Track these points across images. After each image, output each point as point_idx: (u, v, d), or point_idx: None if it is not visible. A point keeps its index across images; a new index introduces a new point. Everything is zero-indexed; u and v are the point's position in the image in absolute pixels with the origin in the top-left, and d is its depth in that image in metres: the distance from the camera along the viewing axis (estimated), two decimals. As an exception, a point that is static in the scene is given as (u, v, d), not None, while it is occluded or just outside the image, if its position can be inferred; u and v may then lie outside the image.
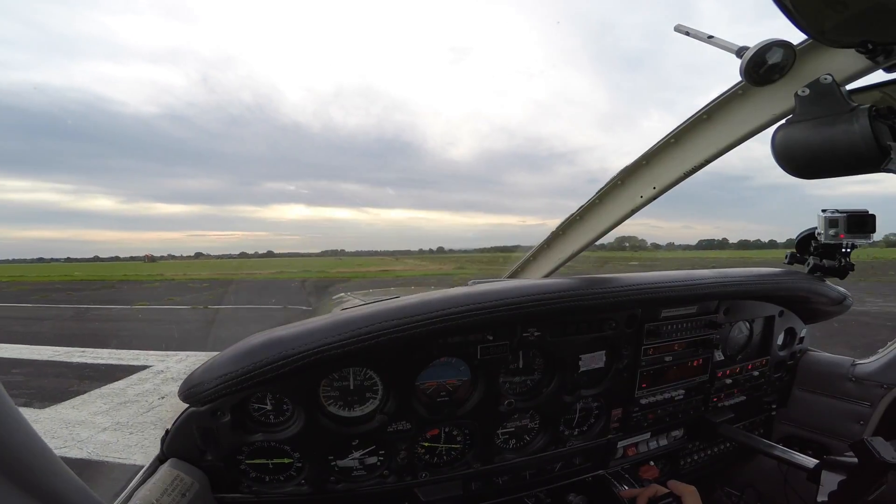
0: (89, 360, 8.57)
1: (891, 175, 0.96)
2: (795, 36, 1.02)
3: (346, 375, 1.18)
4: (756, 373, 1.77)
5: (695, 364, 1.61)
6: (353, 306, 1.26)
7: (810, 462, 1.30)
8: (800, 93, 1.08)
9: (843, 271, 1.69)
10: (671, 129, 1.45)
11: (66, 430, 5.38)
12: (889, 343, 1.74)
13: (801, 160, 1.08)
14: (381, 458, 1.25)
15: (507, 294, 1.19)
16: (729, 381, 1.69)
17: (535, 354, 1.37)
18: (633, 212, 1.62)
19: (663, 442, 1.63)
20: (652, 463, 1.62)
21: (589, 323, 1.36)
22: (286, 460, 1.18)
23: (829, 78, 1.04)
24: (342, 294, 2.50)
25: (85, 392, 6.75)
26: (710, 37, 1.16)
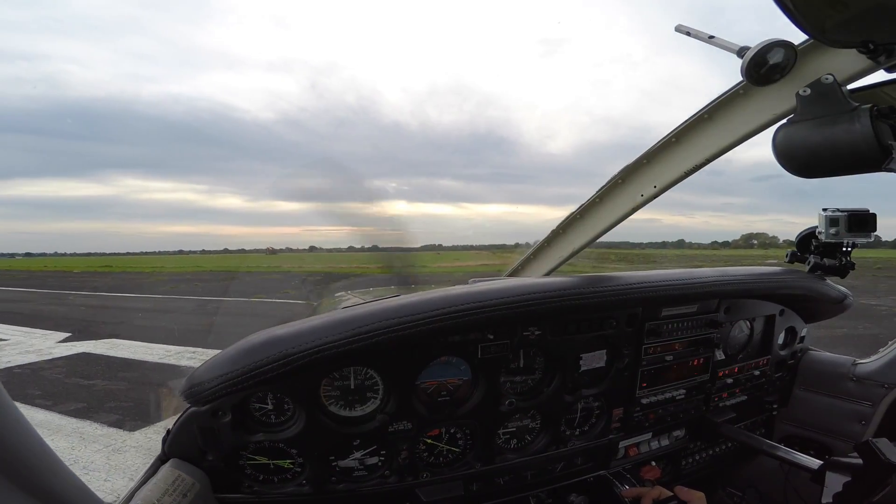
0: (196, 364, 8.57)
1: (892, 175, 0.96)
2: (797, 36, 1.02)
3: (347, 375, 1.18)
4: (757, 372, 1.77)
5: (696, 363, 1.61)
6: (353, 305, 1.26)
7: (814, 463, 1.30)
8: (801, 92, 1.08)
9: (843, 270, 1.69)
10: (672, 128, 1.45)
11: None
12: (890, 343, 1.74)
13: (802, 160, 1.07)
14: (382, 459, 1.25)
15: (508, 293, 1.19)
16: (730, 380, 1.69)
17: (536, 354, 1.37)
18: (633, 210, 1.62)
19: (665, 442, 1.63)
20: (653, 463, 1.62)
21: (589, 322, 1.36)
22: (287, 460, 1.18)
23: (831, 78, 1.04)
24: (342, 293, 2.50)
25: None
26: (711, 37, 1.16)
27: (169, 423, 1.13)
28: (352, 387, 1.19)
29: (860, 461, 1.07)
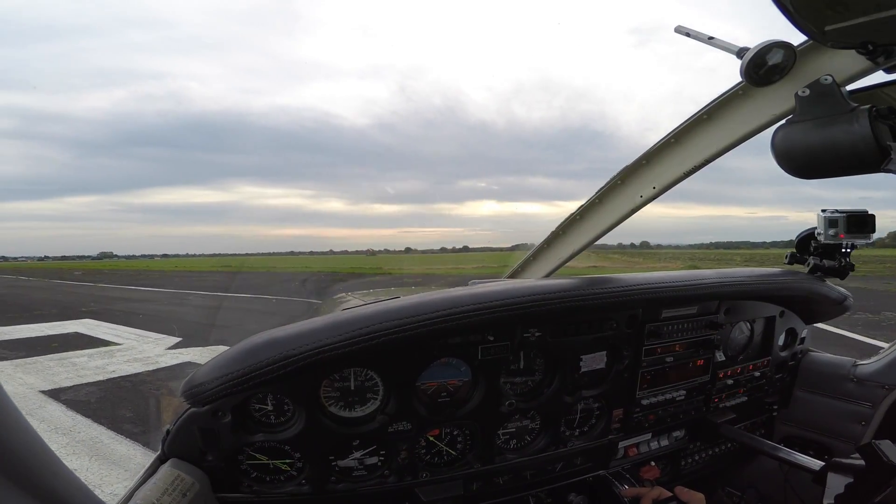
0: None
1: (891, 175, 0.96)
2: (796, 37, 1.02)
3: (347, 376, 1.18)
4: (757, 373, 1.76)
5: (696, 364, 1.61)
6: (353, 306, 1.26)
7: (815, 464, 1.30)
8: (800, 93, 1.08)
9: (843, 271, 1.68)
10: (671, 129, 1.45)
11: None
12: (890, 344, 1.74)
13: (801, 160, 1.08)
14: (382, 459, 1.25)
15: (508, 294, 1.19)
16: (730, 381, 1.69)
17: (536, 355, 1.37)
18: (632, 211, 1.62)
19: (664, 442, 1.63)
20: (653, 463, 1.62)
21: (589, 323, 1.36)
22: (287, 460, 1.18)
23: (830, 79, 1.04)
24: (343, 294, 2.50)
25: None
26: (711, 38, 1.16)
27: (169, 423, 1.13)
28: (352, 388, 1.19)
29: (862, 463, 1.07)
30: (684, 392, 1.60)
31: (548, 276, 2.00)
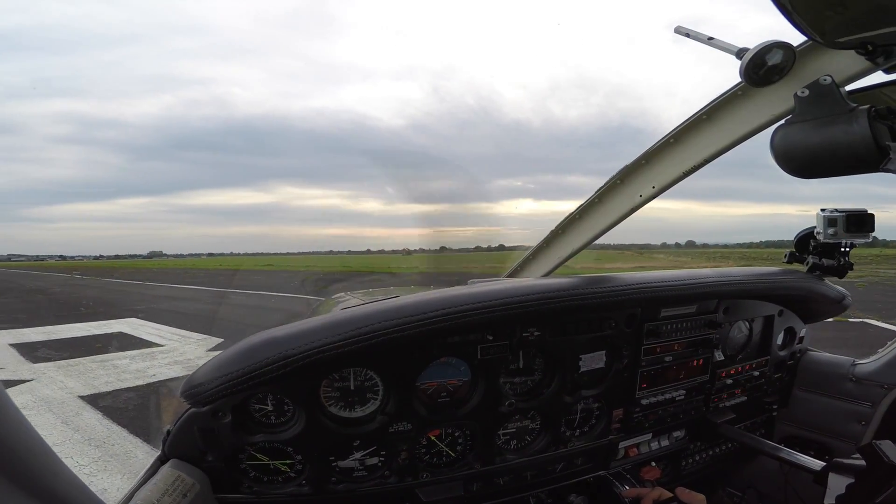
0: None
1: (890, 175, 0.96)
2: (795, 37, 1.03)
3: (347, 376, 1.18)
4: (756, 373, 1.77)
5: (695, 364, 1.61)
6: (353, 306, 1.26)
7: (816, 464, 1.30)
8: (799, 93, 1.08)
9: (842, 270, 1.69)
10: (671, 129, 1.46)
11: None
12: (889, 343, 1.74)
13: (800, 160, 1.08)
14: (382, 459, 1.25)
15: (507, 294, 1.19)
16: (729, 381, 1.69)
17: (536, 354, 1.37)
18: (632, 211, 1.62)
19: (665, 442, 1.63)
20: (653, 464, 1.62)
21: (589, 322, 1.36)
22: (287, 461, 1.18)
23: (829, 79, 1.05)
24: (341, 294, 2.50)
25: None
26: (711, 38, 1.16)
27: (169, 423, 1.13)
28: (352, 388, 1.19)
29: (863, 463, 1.07)
30: (684, 392, 1.60)
31: (547, 275, 2.00)
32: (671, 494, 1.29)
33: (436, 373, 1.26)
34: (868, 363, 1.74)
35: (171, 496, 0.96)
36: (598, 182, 1.67)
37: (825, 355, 1.90)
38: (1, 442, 0.46)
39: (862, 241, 1.61)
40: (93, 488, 0.59)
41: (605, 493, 1.46)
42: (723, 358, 1.70)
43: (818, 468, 1.25)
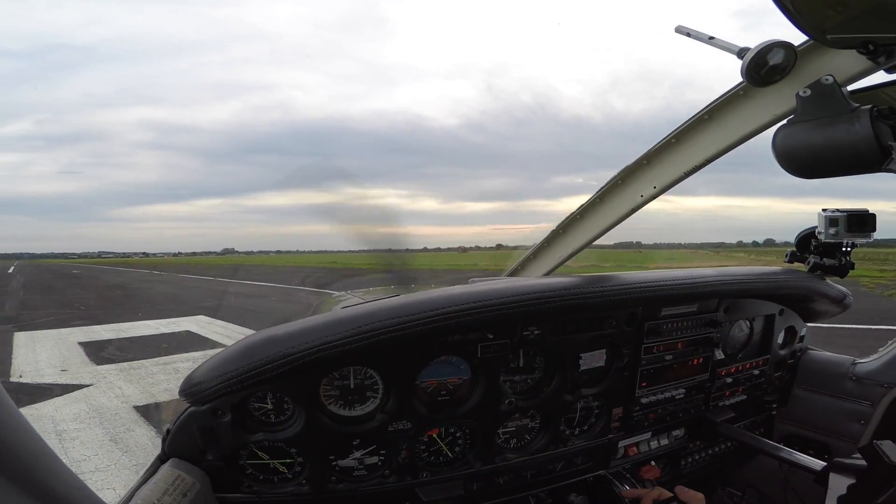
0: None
1: (892, 175, 0.96)
2: (797, 37, 1.02)
3: (347, 374, 1.18)
4: (756, 372, 1.77)
5: (695, 363, 1.61)
6: (353, 304, 1.26)
7: (816, 464, 1.30)
8: (801, 93, 1.08)
9: (843, 270, 1.69)
10: (672, 129, 1.45)
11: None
12: (889, 342, 1.74)
13: (802, 160, 1.08)
14: (382, 458, 1.25)
15: (507, 293, 1.19)
16: (729, 379, 1.69)
17: (536, 353, 1.37)
18: (633, 211, 1.62)
19: (664, 441, 1.63)
20: (653, 463, 1.62)
21: (589, 321, 1.36)
22: (287, 460, 1.18)
23: (831, 79, 1.04)
24: (342, 292, 2.50)
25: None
26: (712, 38, 1.16)
27: (169, 422, 1.13)
28: (351, 386, 1.19)
29: (864, 463, 1.07)
30: (684, 390, 1.60)
31: (547, 274, 2.00)
32: (671, 494, 1.29)
33: (436, 371, 1.26)
34: (868, 362, 1.74)
35: (171, 495, 0.96)
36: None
37: (826, 354, 1.90)
38: (1, 442, 0.46)
39: (863, 240, 1.61)
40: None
41: (604, 493, 1.46)
42: (723, 357, 1.70)
43: (818, 468, 1.25)
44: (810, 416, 1.85)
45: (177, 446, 1.10)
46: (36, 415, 5.38)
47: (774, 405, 1.87)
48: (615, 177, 1.62)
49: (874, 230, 1.59)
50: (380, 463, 1.25)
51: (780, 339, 1.82)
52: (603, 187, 1.67)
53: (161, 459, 1.11)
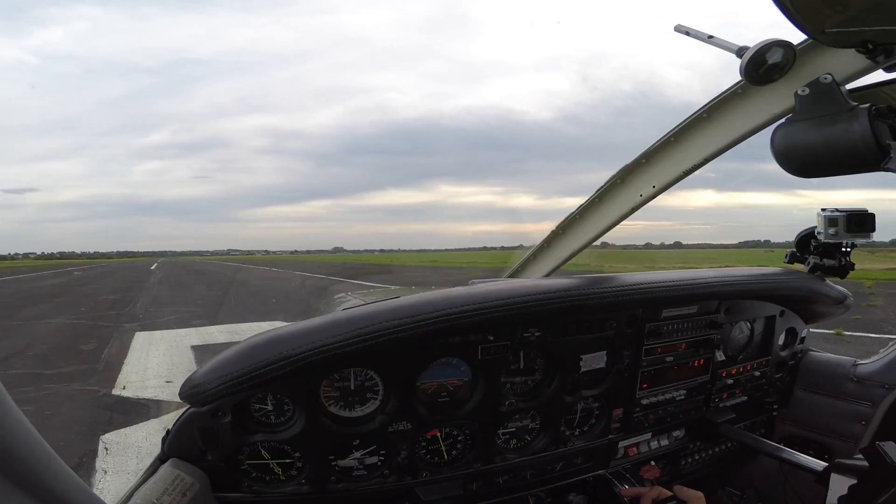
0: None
1: (891, 174, 0.96)
2: (795, 36, 1.02)
3: (347, 376, 1.18)
4: (757, 373, 1.76)
5: (696, 364, 1.61)
6: (353, 306, 1.26)
7: (817, 464, 1.29)
8: (800, 92, 1.08)
9: (843, 271, 1.68)
10: (671, 128, 1.46)
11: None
12: (890, 343, 1.74)
13: (800, 159, 1.08)
14: (382, 458, 1.25)
15: (508, 294, 1.19)
16: (730, 381, 1.69)
17: (536, 355, 1.37)
18: (632, 210, 1.62)
19: (664, 442, 1.63)
20: (653, 463, 1.62)
21: (590, 323, 1.36)
22: (287, 460, 1.18)
23: (829, 77, 1.04)
24: (342, 294, 2.50)
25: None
26: (711, 37, 1.16)
27: (169, 422, 1.13)
28: (352, 387, 1.19)
29: (865, 464, 1.06)
30: (684, 392, 1.60)
31: (548, 275, 2.00)
32: (670, 493, 1.29)
33: (436, 373, 1.26)
34: (869, 363, 1.74)
35: (170, 495, 0.96)
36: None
37: (826, 355, 1.89)
38: (1, 442, 0.46)
39: (863, 241, 1.61)
40: None
41: (604, 492, 1.46)
42: (724, 358, 1.70)
43: (819, 468, 1.25)
44: (811, 417, 1.85)
45: (177, 446, 1.10)
46: (123, 443, 4.44)
47: (775, 406, 1.87)
48: (614, 176, 1.62)
49: (874, 230, 1.59)
50: (379, 463, 1.25)
51: (780, 341, 1.82)
52: (602, 187, 1.67)
53: (161, 459, 1.11)
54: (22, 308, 14.37)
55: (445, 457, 1.33)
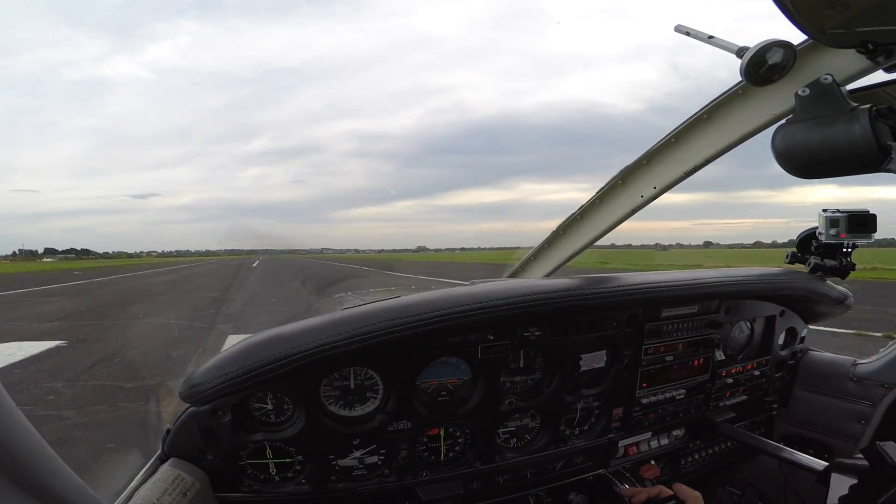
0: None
1: (891, 175, 0.96)
2: (796, 36, 1.02)
3: (347, 375, 1.18)
4: (757, 372, 1.77)
5: (696, 364, 1.61)
6: (354, 305, 1.26)
7: (817, 464, 1.29)
8: (800, 93, 1.08)
9: (844, 271, 1.68)
10: (671, 129, 1.46)
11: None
12: (890, 343, 1.74)
13: (801, 160, 1.08)
14: (382, 458, 1.25)
15: (508, 294, 1.19)
16: (730, 380, 1.69)
17: (536, 354, 1.37)
18: (633, 211, 1.62)
19: (664, 441, 1.63)
20: (653, 462, 1.62)
21: (590, 322, 1.36)
22: (287, 460, 1.18)
23: (830, 78, 1.04)
24: (342, 294, 2.51)
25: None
26: (711, 37, 1.16)
27: (169, 422, 1.13)
28: (352, 387, 1.19)
29: (866, 464, 1.06)
30: (684, 391, 1.60)
31: (548, 275, 2.00)
32: (670, 492, 1.29)
33: (436, 372, 1.26)
34: (869, 363, 1.74)
35: (170, 495, 0.97)
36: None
37: (826, 355, 1.90)
38: (1, 442, 0.46)
39: (864, 241, 1.61)
40: None
41: (604, 492, 1.46)
42: (724, 357, 1.70)
43: (819, 468, 1.25)
44: (811, 417, 1.85)
45: (177, 446, 1.10)
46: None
47: (775, 405, 1.87)
48: (615, 177, 1.62)
49: (875, 231, 1.58)
50: (379, 462, 1.25)
51: (780, 340, 1.82)
52: (603, 188, 1.67)
53: (161, 459, 1.11)
54: (128, 305, 14.05)
55: (445, 456, 1.33)
